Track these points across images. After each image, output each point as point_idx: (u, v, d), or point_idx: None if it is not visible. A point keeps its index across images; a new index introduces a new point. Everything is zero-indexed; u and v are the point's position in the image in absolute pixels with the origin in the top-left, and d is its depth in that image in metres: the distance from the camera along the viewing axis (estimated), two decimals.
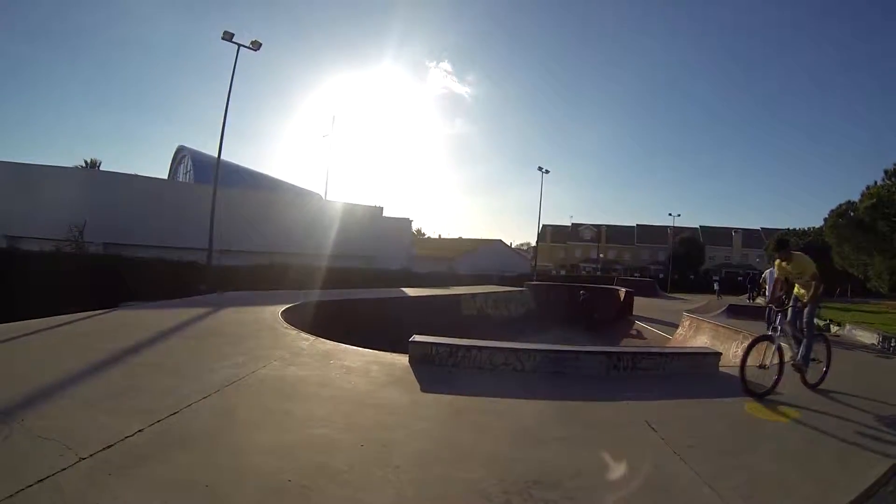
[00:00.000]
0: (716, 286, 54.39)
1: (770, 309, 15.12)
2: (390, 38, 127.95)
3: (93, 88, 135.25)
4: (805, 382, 7.37)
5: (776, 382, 6.93)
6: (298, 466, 3.84)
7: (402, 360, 7.75)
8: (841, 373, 9.51)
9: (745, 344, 7.56)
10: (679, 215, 79.89)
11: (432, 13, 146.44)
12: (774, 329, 7.36)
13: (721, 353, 8.96)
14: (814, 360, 7.50)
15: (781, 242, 7.88)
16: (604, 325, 25.37)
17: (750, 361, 7.00)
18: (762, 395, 6.67)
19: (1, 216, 27.80)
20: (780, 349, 7.16)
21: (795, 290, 7.86)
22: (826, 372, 7.59)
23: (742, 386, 6.75)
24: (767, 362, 7.07)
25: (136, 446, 3.99)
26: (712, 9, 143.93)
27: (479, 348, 7.85)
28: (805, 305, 7.49)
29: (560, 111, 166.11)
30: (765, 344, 7.25)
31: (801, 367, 7.32)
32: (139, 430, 4.29)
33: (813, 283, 7.39)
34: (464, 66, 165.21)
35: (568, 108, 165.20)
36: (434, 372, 7.24)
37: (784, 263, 7.67)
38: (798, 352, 7.39)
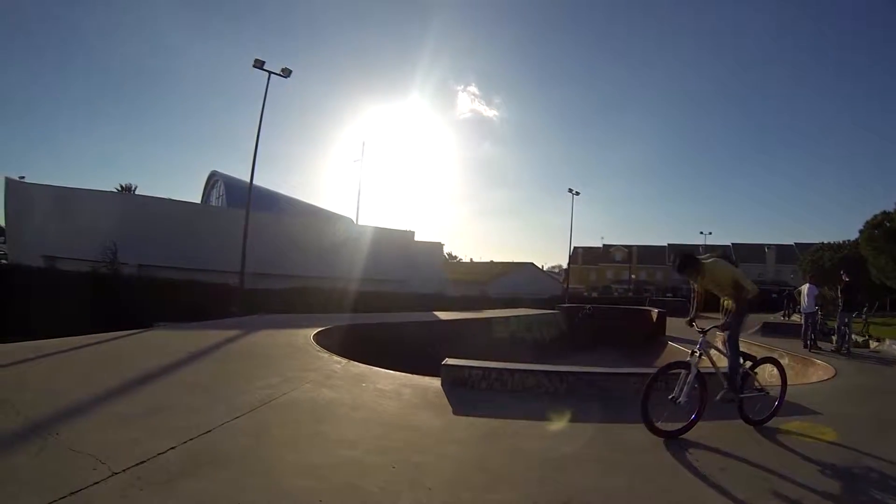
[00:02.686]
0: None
1: (806, 325, 14.93)
2: (419, 63, 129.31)
3: (128, 116, 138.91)
4: (744, 418, 6.16)
5: (694, 419, 5.68)
6: (330, 487, 3.79)
7: (435, 383, 7.69)
8: (886, 390, 9.31)
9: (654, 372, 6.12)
10: (710, 233, 78.95)
11: (460, 37, 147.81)
12: (694, 354, 5.83)
13: (756, 373, 8.76)
14: (759, 390, 6.36)
15: (685, 260, 6.18)
16: (635, 347, 25.00)
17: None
18: (673, 435, 5.52)
19: (40, 237, 28.58)
20: (701, 378, 5.78)
21: (724, 303, 6.57)
22: (779, 405, 6.41)
23: (644, 422, 5.49)
24: (682, 394, 5.58)
25: (169, 463, 3.99)
26: (738, 27, 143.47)
27: (511, 371, 7.78)
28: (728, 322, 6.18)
29: (589, 132, 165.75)
30: (680, 372, 5.82)
31: (729, 399, 6.04)
32: (172, 448, 4.30)
33: (738, 293, 6.16)
34: (491, 88, 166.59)
35: (597, 128, 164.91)
36: (466, 395, 7.17)
37: (700, 279, 6.29)
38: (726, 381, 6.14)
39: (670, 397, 5.60)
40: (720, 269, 6.25)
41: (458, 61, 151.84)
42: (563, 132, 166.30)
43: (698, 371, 5.72)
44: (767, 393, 6.39)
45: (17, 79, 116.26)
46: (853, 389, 9.07)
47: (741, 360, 6.30)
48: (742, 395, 6.17)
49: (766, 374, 7.24)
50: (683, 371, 5.76)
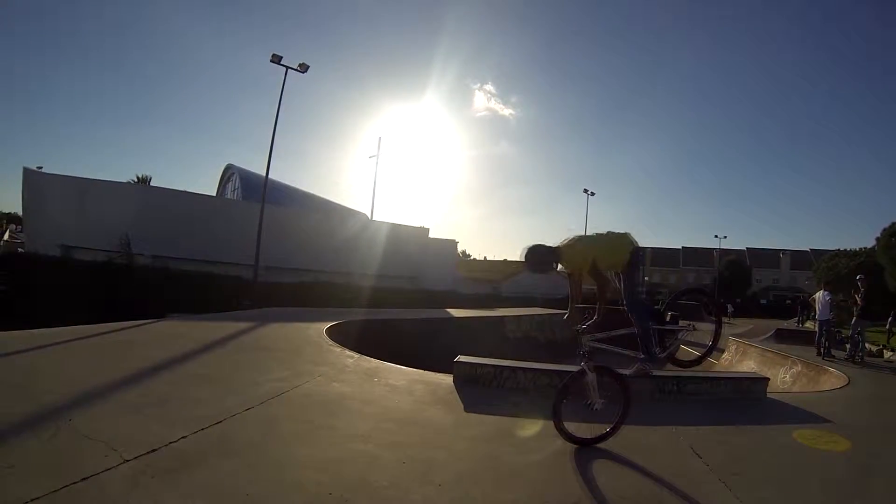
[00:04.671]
0: (729, 308, 52.85)
1: (820, 333, 14.76)
2: (435, 60, 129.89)
3: (146, 108, 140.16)
4: (676, 363, 5.84)
5: (614, 427, 5.18)
6: (340, 481, 3.79)
7: (447, 379, 7.65)
8: None
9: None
10: (725, 237, 78.45)
11: (476, 36, 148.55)
12: (582, 356, 5.20)
13: (769, 379, 8.67)
14: (686, 328, 5.65)
15: (536, 254, 5.22)
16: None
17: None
18: (590, 442, 5.13)
19: (57, 226, 28.76)
20: (613, 376, 5.28)
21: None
22: (713, 345, 5.82)
23: (561, 434, 5.06)
24: (596, 399, 5.15)
25: (180, 452, 4.00)
26: (754, 36, 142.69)
27: (524, 370, 7.72)
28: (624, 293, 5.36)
29: (605, 133, 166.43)
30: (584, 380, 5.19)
31: (646, 371, 5.55)
32: (183, 437, 4.31)
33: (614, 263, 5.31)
34: (507, 87, 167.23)
35: (613, 128, 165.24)
36: (478, 392, 7.13)
37: (564, 265, 5.29)
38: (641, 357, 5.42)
39: (587, 403, 5.17)
40: (581, 247, 5.25)
41: (475, 60, 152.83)
42: (579, 132, 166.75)
43: (602, 369, 5.23)
44: (693, 327, 5.70)
45: (37, 70, 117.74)
46: (866, 399, 8.97)
47: (655, 317, 5.52)
48: (668, 352, 5.53)
49: (778, 381, 7.11)
50: (584, 378, 5.18)
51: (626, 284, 5.35)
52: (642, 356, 5.40)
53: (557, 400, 5.10)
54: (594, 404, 5.14)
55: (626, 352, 5.43)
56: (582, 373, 5.18)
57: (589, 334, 5.28)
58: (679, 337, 5.67)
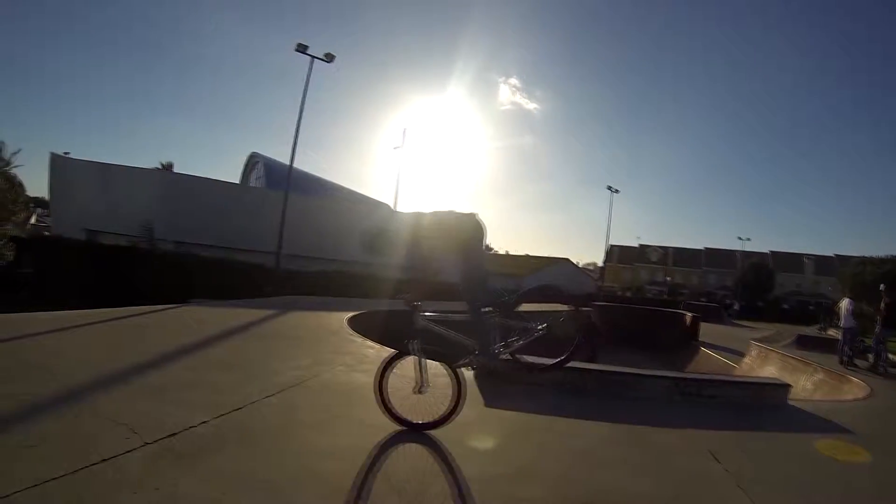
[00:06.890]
0: (735, 304, 51.96)
1: (844, 339, 14.53)
2: (460, 53, 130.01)
3: (172, 95, 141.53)
4: (528, 367, 5.40)
5: (453, 408, 4.82)
6: (359, 471, 3.79)
7: (467, 374, 7.61)
8: None
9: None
10: (749, 240, 77.37)
11: (502, 29, 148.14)
12: (411, 335, 4.98)
13: (791, 386, 8.53)
14: (537, 327, 5.03)
15: (372, 235, 5.36)
16: (668, 350, 24.68)
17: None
18: (422, 428, 4.82)
19: (82, 211, 29.10)
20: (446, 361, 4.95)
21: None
22: (581, 344, 5.18)
23: (388, 416, 4.85)
24: (422, 383, 4.84)
25: (200, 437, 4.02)
26: (785, 39, 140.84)
27: (542, 366, 7.68)
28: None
29: (630, 130, 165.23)
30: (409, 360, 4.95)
31: (482, 364, 4.97)
32: (203, 422, 4.32)
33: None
34: (532, 81, 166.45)
35: (638, 126, 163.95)
36: (498, 387, 7.06)
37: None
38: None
39: (415, 390, 4.83)
40: (414, 225, 5.12)
41: (500, 53, 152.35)
42: (605, 128, 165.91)
43: (432, 352, 4.99)
44: (547, 327, 5.08)
45: (65, 58, 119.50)
46: (888, 410, 8.75)
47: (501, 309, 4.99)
48: (510, 350, 4.97)
49: (799, 388, 6.99)
50: (409, 358, 4.95)
51: (464, 268, 5.01)
52: (476, 350, 4.84)
53: (380, 377, 4.93)
54: (419, 387, 4.82)
55: (463, 339, 4.92)
56: (406, 352, 4.94)
57: (422, 313, 5.06)
58: (527, 335, 5.02)
